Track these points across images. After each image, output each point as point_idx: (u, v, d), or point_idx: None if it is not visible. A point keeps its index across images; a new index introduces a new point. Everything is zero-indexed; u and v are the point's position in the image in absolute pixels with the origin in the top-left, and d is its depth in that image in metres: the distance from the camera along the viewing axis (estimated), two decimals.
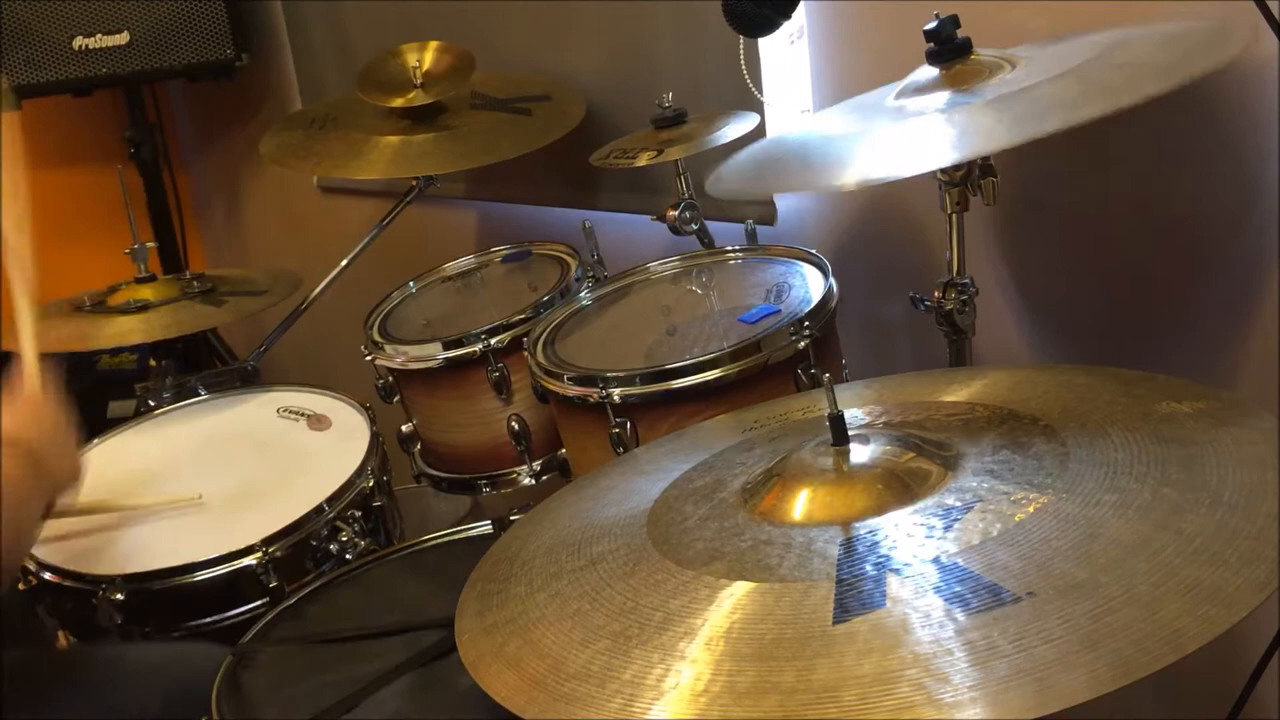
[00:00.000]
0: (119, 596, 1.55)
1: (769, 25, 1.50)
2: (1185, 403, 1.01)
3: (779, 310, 1.51)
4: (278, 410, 1.93)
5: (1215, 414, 0.98)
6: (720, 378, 1.42)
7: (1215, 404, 1.00)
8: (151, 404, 2.03)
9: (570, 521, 1.12)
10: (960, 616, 0.79)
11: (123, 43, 2.61)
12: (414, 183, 2.16)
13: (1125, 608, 0.76)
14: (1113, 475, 0.91)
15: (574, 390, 1.50)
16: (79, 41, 2.59)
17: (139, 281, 2.13)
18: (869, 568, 0.87)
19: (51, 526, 1.69)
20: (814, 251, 1.63)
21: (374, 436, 1.77)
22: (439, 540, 1.52)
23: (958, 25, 1.30)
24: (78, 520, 1.69)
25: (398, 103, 2.02)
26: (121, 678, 1.46)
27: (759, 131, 1.73)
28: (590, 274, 1.83)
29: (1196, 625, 0.74)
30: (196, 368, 2.56)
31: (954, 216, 1.38)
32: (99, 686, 1.44)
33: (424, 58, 2.07)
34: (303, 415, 1.89)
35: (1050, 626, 0.76)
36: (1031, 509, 0.89)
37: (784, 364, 1.44)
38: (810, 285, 1.56)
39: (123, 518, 1.68)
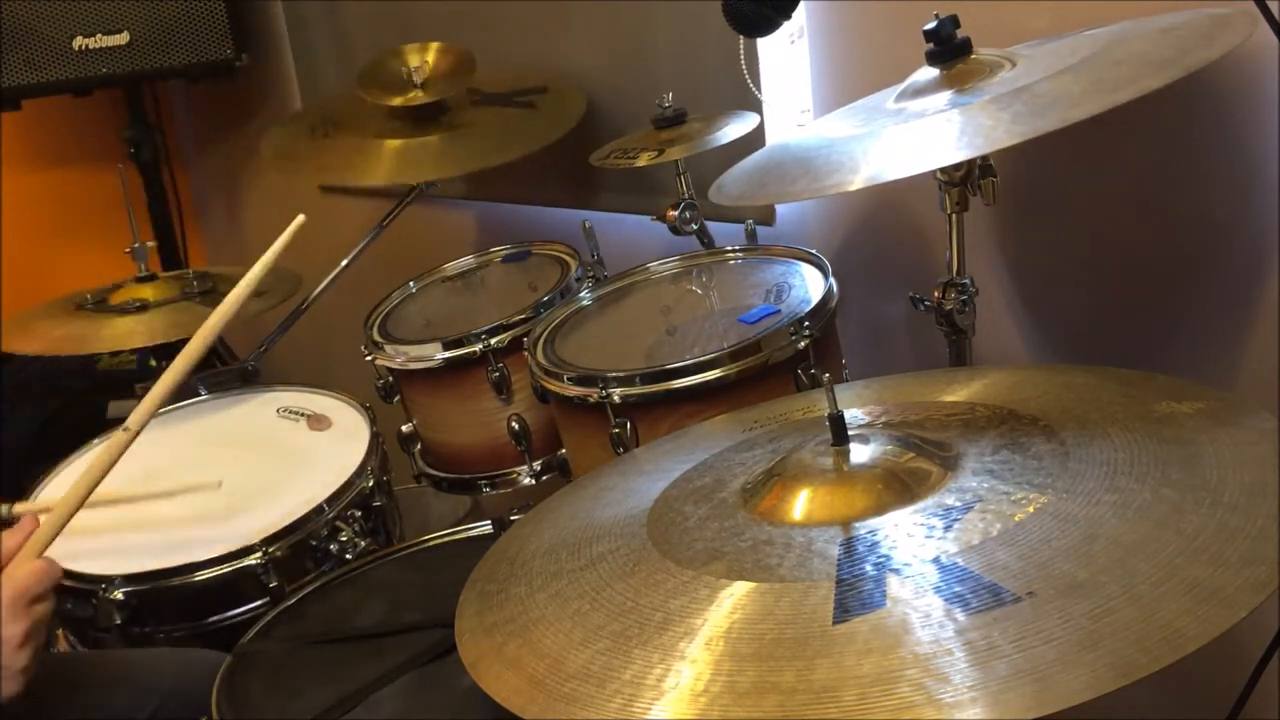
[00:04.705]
0: (119, 596, 1.55)
1: (769, 25, 1.50)
2: (1185, 403, 1.01)
3: (779, 310, 1.51)
4: (278, 410, 1.93)
5: (1215, 414, 0.98)
6: (720, 378, 1.42)
7: (1215, 404, 1.00)
8: None
9: (570, 521, 1.12)
10: (960, 616, 0.79)
11: (123, 43, 2.61)
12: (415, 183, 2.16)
13: (1125, 608, 0.76)
14: (1112, 475, 0.91)
15: (574, 390, 1.50)
16: (79, 41, 2.59)
17: (139, 280, 2.13)
18: (869, 568, 0.87)
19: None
20: (814, 251, 1.63)
21: (374, 436, 1.77)
22: (439, 540, 1.52)
23: (957, 25, 1.30)
24: (79, 518, 1.69)
25: (397, 102, 2.02)
26: (117, 682, 1.46)
27: (759, 132, 1.73)
28: (590, 274, 1.83)
29: (1196, 625, 0.74)
30: (197, 368, 2.55)
31: (954, 216, 1.38)
32: (94, 691, 1.44)
33: (424, 58, 2.07)
34: (303, 415, 1.89)
35: (1050, 626, 0.76)
36: (1031, 509, 0.89)
37: (784, 364, 1.44)
38: (810, 285, 1.56)
39: (130, 515, 1.68)
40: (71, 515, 1.29)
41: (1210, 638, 0.73)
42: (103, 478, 1.31)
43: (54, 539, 1.27)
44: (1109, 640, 0.74)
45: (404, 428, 1.87)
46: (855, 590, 0.85)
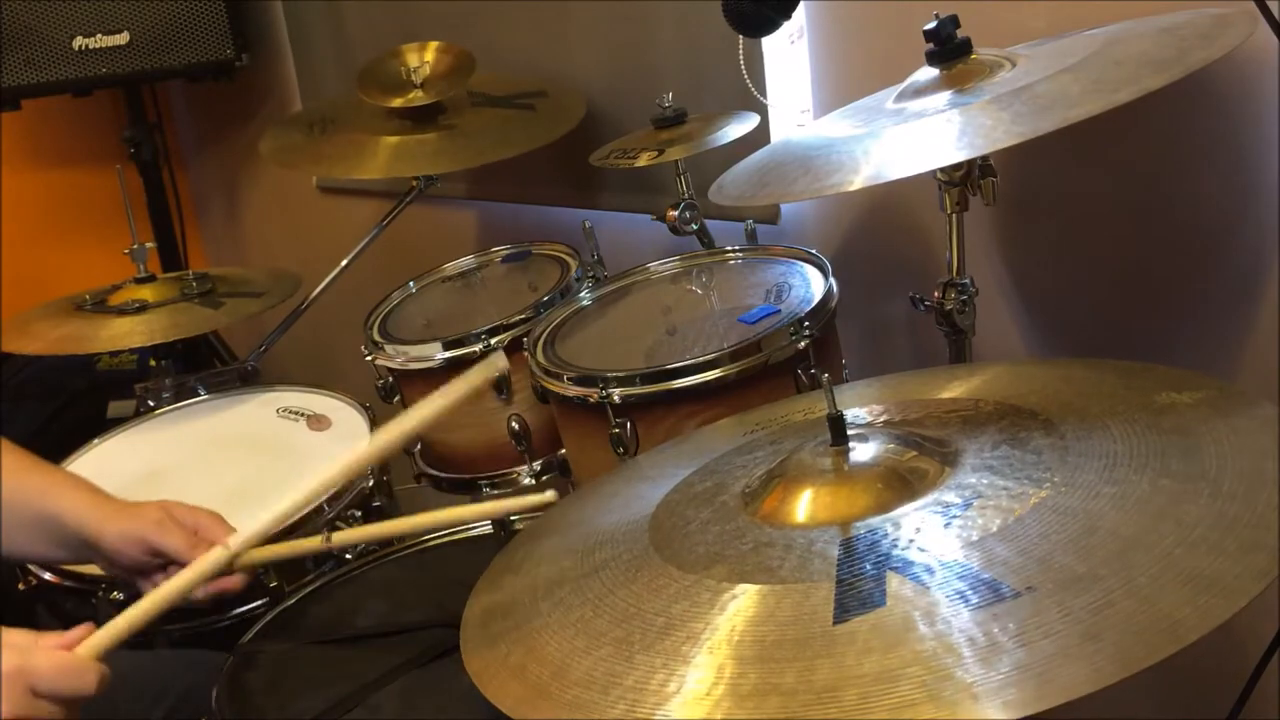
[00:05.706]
0: (119, 596, 1.55)
1: (769, 25, 1.50)
2: (1185, 393, 1.00)
3: (779, 310, 1.51)
4: (278, 410, 1.93)
5: (1214, 404, 0.98)
6: (720, 378, 1.42)
7: (1214, 394, 1.00)
8: (151, 404, 2.03)
9: (574, 529, 1.12)
10: (961, 613, 0.79)
11: (123, 43, 2.61)
12: (414, 183, 2.16)
13: (1125, 600, 0.76)
14: (1112, 467, 0.91)
15: (574, 390, 1.50)
16: (79, 41, 2.59)
17: (138, 281, 2.13)
18: (869, 567, 0.87)
19: None
20: (814, 251, 1.63)
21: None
22: (439, 540, 1.52)
23: (957, 25, 1.30)
24: None
25: (397, 103, 2.02)
26: (118, 683, 1.45)
27: (759, 132, 1.73)
28: (590, 274, 1.83)
29: (1196, 615, 0.74)
30: (196, 368, 2.55)
31: (954, 216, 1.38)
32: (98, 695, 1.43)
33: (424, 58, 2.07)
34: (303, 415, 1.89)
35: (1050, 621, 0.76)
36: (1031, 503, 0.89)
37: (784, 364, 1.44)
38: (810, 285, 1.56)
39: None
40: (138, 625, 1.15)
41: (1210, 627, 0.73)
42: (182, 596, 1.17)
43: (111, 645, 1.11)
44: (1109, 633, 0.74)
45: None
46: (855, 590, 0.85)
